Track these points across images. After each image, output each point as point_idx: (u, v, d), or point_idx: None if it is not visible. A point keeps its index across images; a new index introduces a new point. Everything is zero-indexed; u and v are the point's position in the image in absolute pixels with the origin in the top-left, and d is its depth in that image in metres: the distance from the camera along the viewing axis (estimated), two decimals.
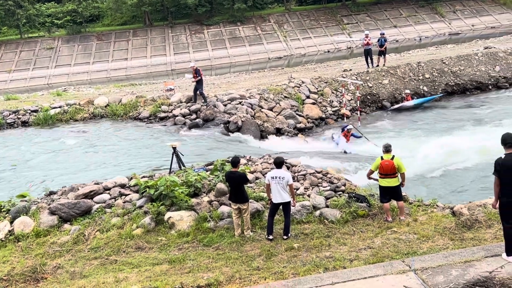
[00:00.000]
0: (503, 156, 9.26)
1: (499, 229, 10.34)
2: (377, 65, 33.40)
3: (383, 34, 33.47)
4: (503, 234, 9.42)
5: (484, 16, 74.45)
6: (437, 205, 13.33)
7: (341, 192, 13.96)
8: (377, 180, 12.81)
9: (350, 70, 34.05)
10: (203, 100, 27.95)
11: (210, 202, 13.69)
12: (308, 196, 13.91)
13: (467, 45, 43.93)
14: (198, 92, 28.15)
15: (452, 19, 73.85)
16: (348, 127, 23.66)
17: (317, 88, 30.42)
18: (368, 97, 30.96)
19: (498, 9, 76.53)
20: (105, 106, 30.23)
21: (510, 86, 33.37)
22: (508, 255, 9.30)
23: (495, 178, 9.35)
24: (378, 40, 33.05)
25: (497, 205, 9.46)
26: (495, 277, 8.75)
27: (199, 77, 27.94)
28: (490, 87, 33.19)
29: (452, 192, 17.29)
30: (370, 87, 31.39)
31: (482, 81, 33.26)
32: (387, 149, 12.65)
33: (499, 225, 10.23)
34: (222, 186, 13.82)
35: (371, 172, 12.85)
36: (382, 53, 33.27)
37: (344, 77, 31.31)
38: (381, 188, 12.70)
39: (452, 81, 32.97)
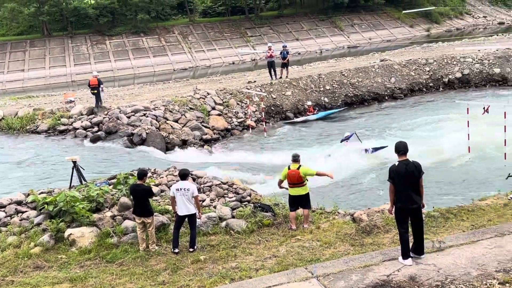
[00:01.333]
0: (396, 164, 9.73)
1: (396, 233, 10.84)
2: (280, 77, 34.11)
3: (285, 46, 34.28)
4: (399, 239, 9.87)
5: (380, 30, 78.26)
6: (338, 212, 13.77)
7: (246, 203, 14.07)
8: (287, 189, 13.06)
9: (255, 81, 34.56)
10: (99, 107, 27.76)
11: (113, 217, 13.33)
12: (214, 207, 13.91)
13: (365, 58, 45.93)
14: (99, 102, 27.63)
15: (351, 32, 76.96)
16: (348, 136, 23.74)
17: (222, 100, 30.58)
18: (272, 108, 31.53)
19: (393, 23, 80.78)
20: (0, 120, 28.73)
21: (405, 96, 35.28)
22: (404, 258, 9.76)
23: (389, 184, 9.80)
24: (281, 53, 33.77)
25: (393, 211, 9.92)
26: (392, 280, 9.15)
27: (101, 87, 27.57)
28: (386, 97, 34.88)
29: (353, 199, 17.97)
30: (274, 98, 32.00)
31: (379, 92, 34.89)
32: (294, 158, 12.91)
33: (396, 230, 10.73)
34: (125, 200, 13.52)
35: (281, 181, 13.09)
36: (284, 65, 34.02)
37: (248, 89, 31.73)
38: (290, 197, 12.95)
39: (351, 92, 34.33)
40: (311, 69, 40.28)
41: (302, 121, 30.84)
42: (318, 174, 13.07)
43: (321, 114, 31.65)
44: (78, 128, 26.81)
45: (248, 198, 14.31)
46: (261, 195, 15.01)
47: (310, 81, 34.12)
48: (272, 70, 33.83)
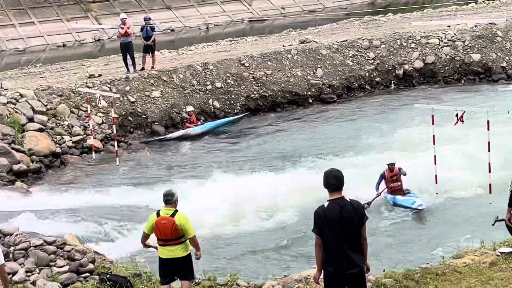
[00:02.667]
0: (325, 204, 9.92)
1: None
2: (143, 68, 33.99)
3: (149, 19, 34.24)
4: None
5: None
6: (237, 284, 13.83)
7: (88, 274, 13.85)
8: (156, 248, 12.94)
9: (100, 75, 34.18)
10: None
11: None
12: (34, 283, 13.57)
13: (276, 38, 46.55)
14: None
15: None
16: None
17: (46, 106, 30.00)
18: (131, 118, 31.35)
19: None
20: None
21: (339, 98, 36.25)
22: None
23: (316, 237, 9.96)
24: (142, 30, 33.66)
25: (321, 278, 10.08)
26: None
27: None
28: (310, 100, 35.65)
29: (258, 260, 18.16)
30: (133, 102, 31.84)
31: (299, 91, 35.62)
32: (167, 199, 12.80)
33: None
34: None
35: (145, 236, 12.93)
36: (149, 48, 33.86)
37: (90, 88, 31.34)
38: (161, 261, 12.82)
39: (255, 91, 34.80)
40: (192, 56, 40.38)
41: (179, 137, 30.85)
42: (193, 241, 12.82)
43: (209, 125, 31.92)
44: None
45: (91, 266, 14.09)
46: (112, 260, 14.82)
47: (190, 75, 34.24)
48: (128, 56, 33.60)
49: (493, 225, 12.95)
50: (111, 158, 28.32)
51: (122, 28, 32.97)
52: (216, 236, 19.80)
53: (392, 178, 22.32)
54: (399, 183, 22.39)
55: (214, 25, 71.63)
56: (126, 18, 33.87)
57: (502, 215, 11.96)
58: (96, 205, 22.93)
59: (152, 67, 34.16)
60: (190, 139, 30.91)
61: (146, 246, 13.22)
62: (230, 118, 32.70)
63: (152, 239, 13.05)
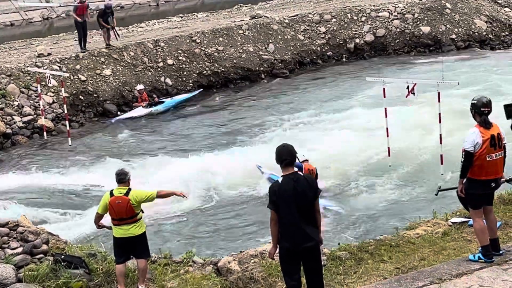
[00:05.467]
0: (280, 180, 9.96)
1: None
2: (108, 44, 33.86)
3: (110, 7, 33.70)
4: None
5: None
6: (193, 262, 13.83)
7: (42, 255, 13.74)
8: (110, 228, 12.87)
9: (49, 54, 33.93)
10: None
11: None
12: None
13: (227, 14, 46.59)
14: None
15: None
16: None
17: None
18: (81, 97, 31.12)
19: None
20: None
21: (291, 73, 36.37)
22: None
23: (271, 213, 9.99)
24: (103, 15, 33.22)
25: (277, 254, 10.14)
26: None
27: None
28: (263, 75, 35.75)
29: (216, 237, 18.22)
30: (84, 81, 31.60)
31: (251, 67, 35.68)
32: (120, 178, 12.73)
33: (283, 282, 10.96)
34: None
35: (99, 216, 12.86)
36: (105, 23, 33.46)
37: (39, 67, 31.00)
38: (116, 240, 12.77)
39: (207, 68, 34.77)
40: (142, 33, 40.20)
41: (131, 118, 30.74)
42: (160, 196, 13.02)
43: (170, 103, 32.03)
44: None
45: (45, 247, 13.97)
46: (66, 240, 14.72)
47: (141, 52, 34.09)
48: (83, 34, 33.31)
49: (436, 195, 13.20)
50: (63, 138, 28.09)
51: (79, 3, 32.69)
52: (170, 214, 19.81)
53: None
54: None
55: (165, 1, 71.28)
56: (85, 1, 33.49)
57: (452, 185, 12.10)
58: (49, 186, 22.82)
59: (117, 37, 34.25)
60: (143, 118, 30.75)
61: (100, 226, 13.16)
62: (184, 96, 32.64)
63: (106, 219, 13.01)
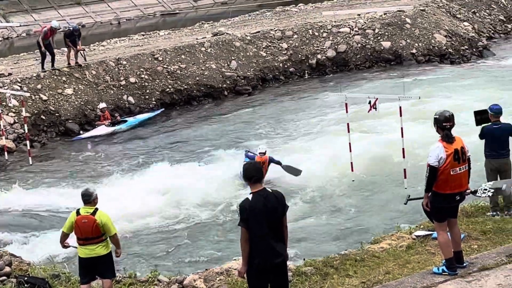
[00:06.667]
0: (250, 197, 9.97)
1: None
2: (76, 63, 33.78)
3: (78, 29, 33.66)
4: None
5: None
6: (159, 280, 13.77)
7: (5, 278, 13.62)
8: (76, 247, 12.78)
9: (10, 74, 33.65)
10: None
11: None
12: None
13: (189, 31, 46.58)
14: None
15: None
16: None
17: None
18: (43, 117, 30.92)
19: None
20: None
21: (254, 89, 36.42)
22: None
23: (241, 231, 9.97)
24: (70, 36, 33.05)
25: (245, 273, 10.11)
26: None
27: None
28: (225, 92, 35.76)
29: (178, 255, 18.17)
30: (45, 101, 31.38)
31: (214, 84, 35.67)
32: (86, 198, 12.65)
33: None
34: None
35: (65, 235, 12.75)
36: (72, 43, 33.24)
37: (0, 87, 30.76)
38: (81, 260, 12.68)
39: (170, 86, 34.71)
40: (104, 52, 40.05)
41: (94, 136, 30.60)
42: (115, 239, 12.82)
43: (132, 122, 31.85)
44: None
45: (8, 269, 13.86)
46: (29, 262, 14.61)
47: (103, 71, 33.95)
48: (45, 54, 33.04)
49: (405, 204, 13.23)
50: (24, 158, 27.86)
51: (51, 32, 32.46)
52: (135, 232, 19.70)
53: None
54: None
55: (126, 19, 71.07)
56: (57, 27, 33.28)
57: (418, 195, 12.20)
58: (10, 207, 22.57)
59: (76, 62, 33.92)
60: (104, 137, 30.61)
61: (65, 246, 13.06)
62: (151, 114, 32.65)
63: (72, 240, 12.93)
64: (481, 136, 15.33)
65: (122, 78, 34.02)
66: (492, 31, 45.65)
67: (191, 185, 22.65)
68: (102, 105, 31.81)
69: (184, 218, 20.78)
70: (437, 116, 11.44)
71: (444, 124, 11.31)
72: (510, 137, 15.23)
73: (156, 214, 20.63)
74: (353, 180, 22.10)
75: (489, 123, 15.15)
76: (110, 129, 31.03)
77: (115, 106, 32.84)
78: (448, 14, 44.12)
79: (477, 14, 46.22)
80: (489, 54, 40.70)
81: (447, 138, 11.28)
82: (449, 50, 39.70)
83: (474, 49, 40.62)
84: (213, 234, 19.57)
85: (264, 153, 22.23)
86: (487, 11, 47.49)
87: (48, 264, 14.58)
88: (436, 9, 43.70)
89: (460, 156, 11.31)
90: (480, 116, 15.34)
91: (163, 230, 20.05)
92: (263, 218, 9.75)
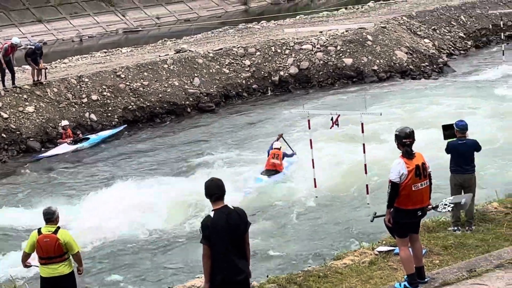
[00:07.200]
0: (212, 214, 9.97)
1: None
2: (36, 80, 33.40)
3: (40, 48, 33.26)
4: None
5: (173, 4, 79.87)
6: None
7: None
8: (38, 266, 12.68)
9: None
10: None
11: None
12: None
13: (152, 48, 46.60)
14: None
15: (127, 8, 77.47)
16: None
17: None
18: (4, 135, 30.70)
19: None
20: None
21: (217, 106, 36.45)
22: None
23: (203, 248, 9.96)
24: (32, 54, 32.68)
25: None
26: None
27: None
28: (188, 109, 35.75)
29: (140, 273, 18.08)
30: (6, 119, 31.16)
31: (177, 101, 35.66)
32: (48, 217, 12.60)
33: None
34: None
35: (26, 255, 12.66)
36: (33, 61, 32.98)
37: None
38: (43, 280, 12.59)
39: (133, 103, 34.63)
40: (66, 69, 39.88)
41: (56, 155, 30.40)
42: (77, 257, 12.79)
43: (94, 140, 31.70)
44: None
45: None
46: None
47: (65, 88, 33.78)
48: (5, 71, 32.80)
49: (371, 221, 13.24)
50: None
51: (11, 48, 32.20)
52: (97, 251, 19.60)
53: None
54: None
55: (88, 37, 70.86)
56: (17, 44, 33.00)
57: (379, 213, 12.26)
58: None
59: (38, 79, 33.62)
60: (67, 155, 30.40)
61: (27, 265, 12.97)
62: (113, 131, 32.50)
63: (31, 258, 12.83)
64: (447, 151, 15.50)
65: (84, 96, 33.88)
66: (452, 48, 46.19)
67: (154, 203, 22.55)
68: (65, 122, 31.65)
69: (146, 236, 20.70)
70: (398, 133, 11.53)
71: (404, 141, 11.40)
72: (475, 153, 15.40)
73: (118, 232, 20.50)
74: (316, 196, 22.16)
75: (455, 139, 15.31)
76: (73, 147, 30.86)
77: (77, 123, 32.66)
78: (409, 31, 44.60)
79: (438, 31, 46.76)
80: (449, 70, 41.20)
81: (408, 154, 11.38)
82: (410, 66, 40.11)
83: (434, 66, 41.06)
84: (176, 251, 19.50)
85: (279, 149, 24.67)
86: (447, 28, 48.04)
87: (9, 284, 14.40)
88: (397, 26, 44.15)
89: (421, 172, 11.40)
90: (448, 131, 15.52)
91: (125, 248, 19.94)
92: (225, 235, 9.77)
